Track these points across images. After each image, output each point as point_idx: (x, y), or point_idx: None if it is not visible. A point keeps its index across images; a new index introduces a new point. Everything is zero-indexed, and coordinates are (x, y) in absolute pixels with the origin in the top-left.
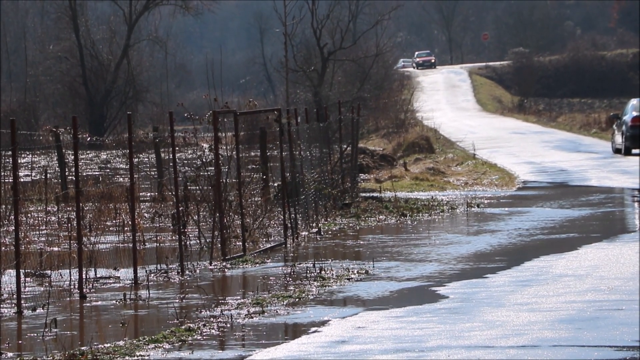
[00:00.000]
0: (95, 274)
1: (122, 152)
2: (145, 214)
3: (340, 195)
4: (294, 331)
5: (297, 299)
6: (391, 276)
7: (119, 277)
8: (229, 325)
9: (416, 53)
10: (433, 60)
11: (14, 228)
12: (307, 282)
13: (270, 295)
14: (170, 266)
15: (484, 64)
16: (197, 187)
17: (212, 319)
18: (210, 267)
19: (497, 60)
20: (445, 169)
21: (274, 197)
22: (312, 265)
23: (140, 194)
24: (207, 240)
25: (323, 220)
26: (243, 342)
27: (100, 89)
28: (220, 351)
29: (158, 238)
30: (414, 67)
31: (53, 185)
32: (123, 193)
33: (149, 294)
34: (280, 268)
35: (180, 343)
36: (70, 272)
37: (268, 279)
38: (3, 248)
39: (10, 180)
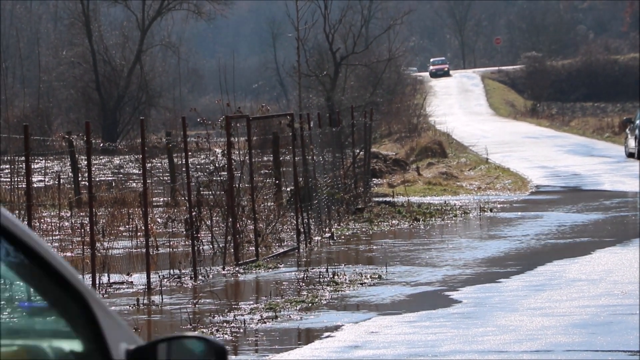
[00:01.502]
0: (109, 279)
1: (135, 157)
2: (158, 219)
3: (353, 200)
4: (307, 336)
5: (310, 304)
6: (404, 281)
7: (132, 282)
8: (242, 331)
9: (431, 60)
10: (446, 69)
11: None
12: (320, 287)
13: (283, 300)
14: (183, 271)
15: (496, 68)
16: (210, 192)
17: (225, 324)
18: (223, 272)
19: (509, 65)
20: (458, 173)
21: (287, 202)
22: (325, 270)
23: (153, 199)
24: (220, 245)
25: (336, 225)
26: (256, 347)
27: (113, 94)
28: (234, 356)
29: (171, 243)
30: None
31: (66, 190)
32: (136, 198)
33: (162, 299)
34: (294, 273)
35: None
36: (83, 277)
37: (281, 284)
38: None
39: (24, 186)
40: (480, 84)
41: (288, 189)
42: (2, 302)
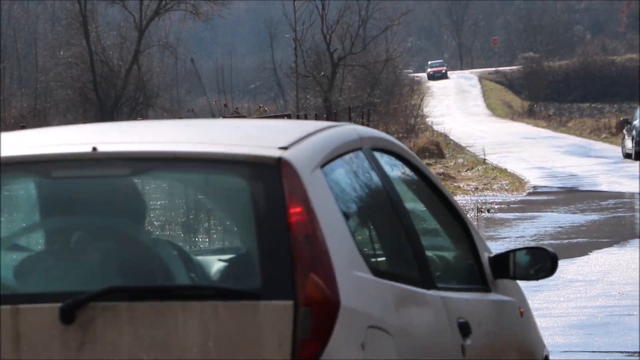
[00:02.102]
0: None
1: None
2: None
3: None
4: None
5: None
6: None
7: None
8: None
9: (429, 62)
10: (444, 71)
11: None
12: None
13: None
14: None
15: (493, 69)
16: None
17: None
18: None
19: (507, 65)
20: (455, 174)
21: None
22: None
23: None
24: None
25: None
26: None
27: (110, 94)
28: None
29: None
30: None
31: None
32: None
33: None
34: None
35: None
36: None
37: None
38: None
39: None
40: (477, 84)
41: None
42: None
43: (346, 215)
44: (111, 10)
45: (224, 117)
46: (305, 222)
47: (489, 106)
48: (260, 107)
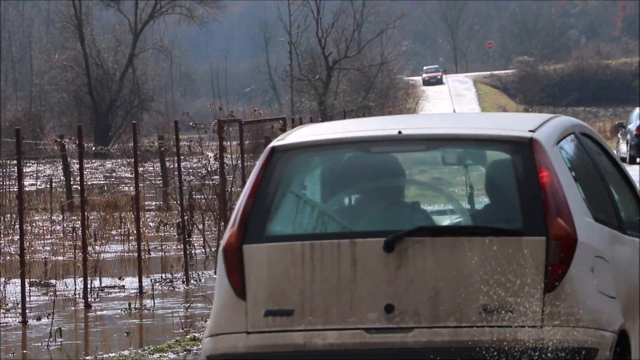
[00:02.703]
0: (100, 283)
1: (127, 161)
2: (150, 223)
3: None
4: None
5: None
6: None
7: (124, 286)
8: None
9: (424, 68)
10: (439, 77)
11: (18, 237)
12: None
13: None
14: (175, 275)
15: (488, 72)
16: (202, 196)
17: None
18: (215, 276)
19: (501, 69)
20: None
21: None
22: None
23: (145, 203)
24: (212, 249)
25: None
26: None
27: (105, 98)
28: None
29: (163, 247)
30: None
31: (58, 194)
32: (128, 202)
33: (154, 303)
34: None
35: (185, 352)
36: (75, 282)
37: None
38: (8, 257)
39: (15, 190)
40: (472, 88)
41: None
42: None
43: (574, 178)
44: (106, 13)
45: (219, 120)
46: (552, 182)
47: (484, 110)
48: (255, 110)
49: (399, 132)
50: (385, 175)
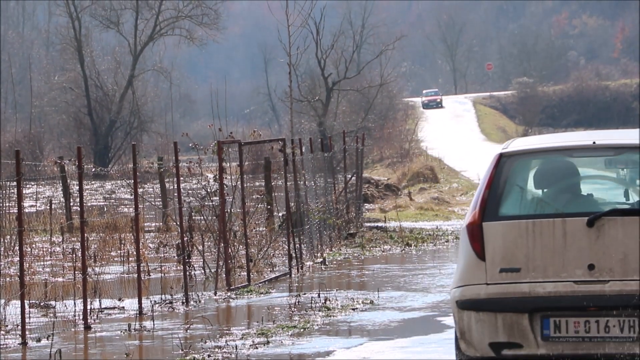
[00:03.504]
0: (100, 305)
1: (127, 183)
2: (150, 244)
3: (345, 225)
4: None
5: (302, 329)
6: (396, 306)
7: (123, 307)
8: (233, 356)
9: (424, 92)
10: (439, 100)
11: (18, 259)
12: (312, 313)
13: (275, 325)
14: (175, 296)
15: (488, 93)
16: (202, 217)
17: (216, 350)
18: (215, 297)
19: (501, 90)
20: (450, 198)
21: (279, 227)
22: (317, 295)
23: (145, 224)
24: (212, 270)
25: (328, 250)
26: None
27: (105, 119)
28: None
29: (163, 268)
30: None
31: (58, 215)
32: (128, 223)
33: (154, 324)
34: (285, 298)
35: None
36: (74, 303)
37: (273, 309)
38: (8, 279)
39: (15, 211)
40: (471, 109)
41: (280, 214)
42: None
43: None
44: (106, 35)
45: (219, 141)
46: None
47: (483, 131)
48: (254, 131)
49: (593, 142)
50: (583, 173)
